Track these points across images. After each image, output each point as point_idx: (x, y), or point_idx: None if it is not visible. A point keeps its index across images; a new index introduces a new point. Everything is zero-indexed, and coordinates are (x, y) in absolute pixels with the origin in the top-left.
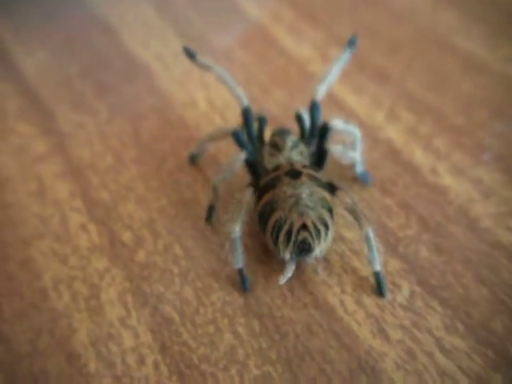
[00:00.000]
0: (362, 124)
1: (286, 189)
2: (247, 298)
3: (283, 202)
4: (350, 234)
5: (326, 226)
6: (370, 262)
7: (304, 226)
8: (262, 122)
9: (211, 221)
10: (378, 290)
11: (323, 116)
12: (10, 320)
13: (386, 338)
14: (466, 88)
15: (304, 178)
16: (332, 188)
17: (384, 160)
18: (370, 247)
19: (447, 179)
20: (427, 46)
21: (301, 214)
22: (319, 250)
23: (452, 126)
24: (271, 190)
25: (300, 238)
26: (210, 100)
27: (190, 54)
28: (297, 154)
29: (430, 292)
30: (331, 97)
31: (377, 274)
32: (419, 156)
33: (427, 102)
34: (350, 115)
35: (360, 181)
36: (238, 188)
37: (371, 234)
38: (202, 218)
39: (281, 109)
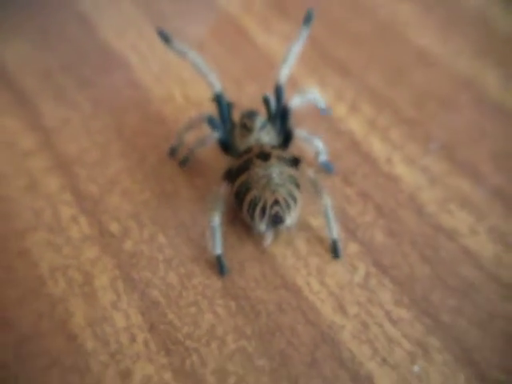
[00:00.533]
0: (325, 116)
1: (258, 170)
2: (225, 282)
3: (256, 182)
4: (316, 222)
5: (295, 200)
6: (329, 231)
7: (276, 202)
8: (229, 106)
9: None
10: (335, 254)
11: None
12: (12, 306)
13: (345, 313)
14: (418, 81)
15: (273, 160)
16: (296, 162)
17: (346, 151)
18: (328, 217)
19: (400, 168)
20: (386, 40)
21: (273, 192)
22: (290, 220)
23: (406, 119)
24: (245, 171)
25: (273, 211)
26: (187, 95)
27: (166, 38)
28: (265, 134)
29: (382, 271)
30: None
31: (334, 242)
32: (377, 147)
33: (386, 95)
34: (314, 108)
35: (323, 170)
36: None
37: (329, 204)
38: (183, 208)
39: (251, 100)
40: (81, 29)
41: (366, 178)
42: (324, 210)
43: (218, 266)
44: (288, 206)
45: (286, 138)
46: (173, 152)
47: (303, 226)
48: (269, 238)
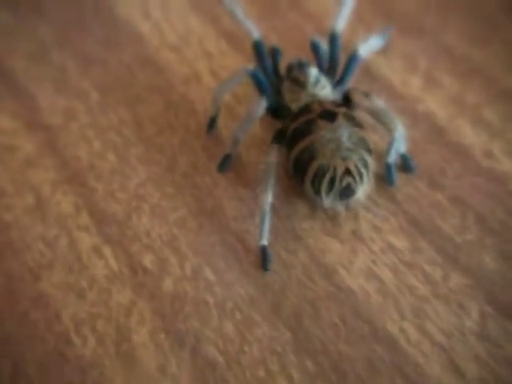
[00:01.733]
0: (395, 95)
1: (324, 133)
2: (295, 332)
3: (323, 147)
4: (400, 242)
5: (368, 168)
6: (387, 155)
7: (347, 171)
8: (275, 54)
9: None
10: (389, 180)
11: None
12: (35, 371)
13: (460, 373)
14: None
15: (341, 119)
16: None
17: (427, 141)
18: (392, 146)
19: (505, 163)
20: None
21: (344, 159)
22: (362, 191)
23: (504, 90)
24: (306, 135)
25: (344, 183)
26: (215, 71)
27: (212, 123)
28: (320, 89)
29: (503, 312)
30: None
31: (389, 166)
32: (469, 134)
33: (472, 58)
34: (381, 85)
35: (403, 170)
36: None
37: (398, 138)
38: (230, 229)
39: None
40: None
41: (459, 179)
42: (392, 138)
43: (262, 260)
44: (361, 176)
45: (345, 99)
46: (212, 123)
47: (384, 247)
48: (340, 209)
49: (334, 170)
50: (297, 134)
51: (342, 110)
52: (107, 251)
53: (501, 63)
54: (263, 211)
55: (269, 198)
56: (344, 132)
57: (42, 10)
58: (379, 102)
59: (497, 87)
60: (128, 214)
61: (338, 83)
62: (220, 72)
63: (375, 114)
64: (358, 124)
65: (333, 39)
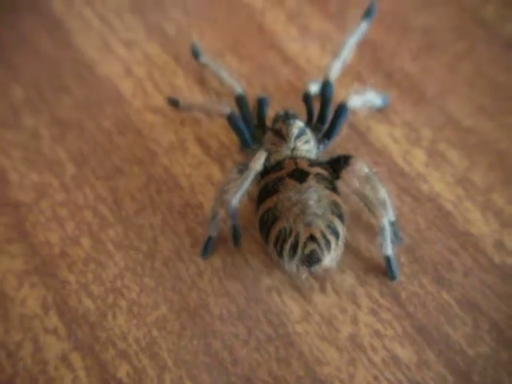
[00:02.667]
0: (396, 171)
1: (291, 194)
2: None
3: (287, 209)
4: (405, 352)
5: (337, 234)
6: (382, 247)
7: (312, 237)
8: (262, 104)
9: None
10: (390, 274)
11: None
12: None
13: None
14: None
15: (311, 180)
16: (342, 163)
17: (432, 229)
18: (383, 236)
19: None
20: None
21: (308, 224)
22: (329, 259)
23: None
24: (274, 193)
25: (307, 250)
26: (201, 138)
27: (174, 103)
28: (303, 143)
29: None
30: (352, 127)
31: (388, 258)
32: (478, 221)
33: (478, 131)
34: (381, 157)
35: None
36: None
37: (387, 225)
38: (215, 333)
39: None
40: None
41: (468, 275)
42: (380, 227)
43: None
44: (327, 243)
45: (340, 162)
46: (173, 102)
47: (386, 359)
48: (303, 275)
49: (297, 235)
50: (264, 191)
51: (316, 169)
52: (77, 360)
53: (511, 139)
54: (229, 209)
55: (235, 200)
56: (312, 194)
57: (14, 67)
58: (367, 169)
59: (508, 165)
60: (103, 313)
61: (325, 136)
62: (208, 140)
63: (362, 197)
64: (331, 184)
65: (325, 87)
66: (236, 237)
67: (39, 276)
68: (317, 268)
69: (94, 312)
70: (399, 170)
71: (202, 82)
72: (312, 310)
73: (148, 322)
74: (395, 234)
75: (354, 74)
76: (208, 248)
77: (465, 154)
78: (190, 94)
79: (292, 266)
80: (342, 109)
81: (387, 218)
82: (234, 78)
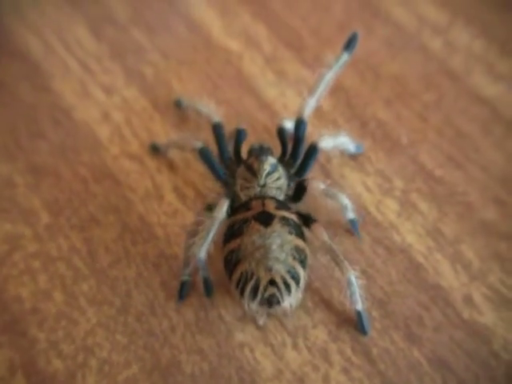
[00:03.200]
0: (370, 221)
1: (255, 238)
2: None
3: (250, 253)
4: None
5: (297, 280)
6: (352, 302)
7: (272, 282)
8: (239, 135)
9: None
10: (361, 329)
11: None
12: None
13: None
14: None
15: (276, 225)
16: (307, 220)
17: (403, 281)
18: (352, 291)
19: (487, 314)
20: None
21: (269, 269)
22: (288, 302)
23: (483, 223)
24: (239, 235)
25: (267, 293)
26: (177, 186)
27: (156, 149)
28: (273, 180)
29: None
30: (326, 173)
31: (359, 313)
32: (448, 273)
33: (448, 182)
34: (355, 205)
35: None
36: None
37: (354, 280)
38: None
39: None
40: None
41: (438, 331)
42: (347, 284)
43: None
44: (287, 288)
45: (300, 187)
46: (155, 148)
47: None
48: (261, 319)
49: (258, 279)
50: (230, 231)
51: (282, 213)
52: None
53: (479, 190)
54: (198, 262)
55: (203, 253)
56: (276, 239)
57: None
58: (328, 240)
59: (475, 217)
60: (72, 374)
61: (296, 174)
62: (184, 189)
63: (328, 251)
64: (296, 231)
65: (298, 125)
66: (208, 288)
67: (8, 336)
68: (276, 309)
69: (62, 372)
70: (372, 219)
71: (178, 126)
72: (284, 367)
73: (119, 381)
74: (354, 226)
75: (329, 121)
76: (183, 292)
77: (435, 204)
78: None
79: (253, 306)
80: (312, 149)
81: (353, 274)
82: (212, 108)
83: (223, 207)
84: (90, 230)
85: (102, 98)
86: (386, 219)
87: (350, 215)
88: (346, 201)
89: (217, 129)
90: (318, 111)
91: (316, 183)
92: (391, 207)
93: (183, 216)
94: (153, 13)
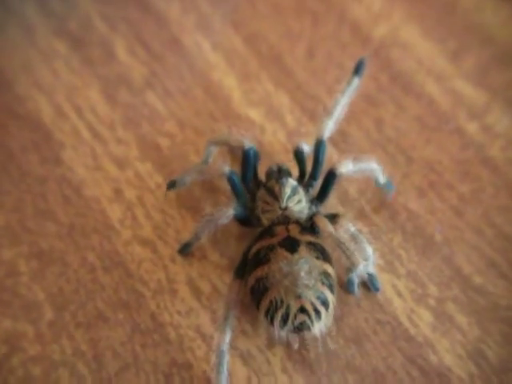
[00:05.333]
0: (400, 334)
1: (282, 265)
2: None
3: (278, 281)
4: None
5: (327, 305)
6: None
7: (302, 309)
8: (253, 157)
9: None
10: (372, 287)
11: None
12: None
13: None
14: None
15: (302, 251)
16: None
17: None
18: (362, 272)
19: None
20: None
21: (298, 297)
22: (319, 328)
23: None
24: (265, 263)
25: (298, 321)
26: (191, 280)
27: (173, 185)
28: (295, 203)
29: None
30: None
31: (370, 276)
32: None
33: (489, 293)
34: (383, 311)
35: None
36: None
37: (363, 268)
38: None
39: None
40: None
41: None
42: (365, 258)
43: None
44: (318, 314)
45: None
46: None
47: None
48: (295, 344)
49: (288, 307)
50: (255, 259)
51: (307, 237)
52: None
53: None
54: (220, 352)
55: (227, 337)
56: (303, 266)
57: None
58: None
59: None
60: None
61: (317, 198)
62: (199, 282)
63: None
64: (323, 255)
65: (318, 146)
66: (185, 249)
67: None
68: (306, 334)
69: None
70: (404, 331)
71: (195, 209)
72: None
73: None
74: (373, 283)
75: (354, 208)
76: (186, 249)
77: (475, 319)
78: (183, 222)
79: (282, 333)
80: (330, 175)
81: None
82: (237, 135)
83: (236, 287)
84: (97, 329)
85: (114, 172)
86: (420, 333)
87: (370, 269)
88: (370, 252)
89: (247, 154)
90: (343, 195)
91: (347, 223)
92: (425, 318)
93: (197, 315)
94: (169, 75)
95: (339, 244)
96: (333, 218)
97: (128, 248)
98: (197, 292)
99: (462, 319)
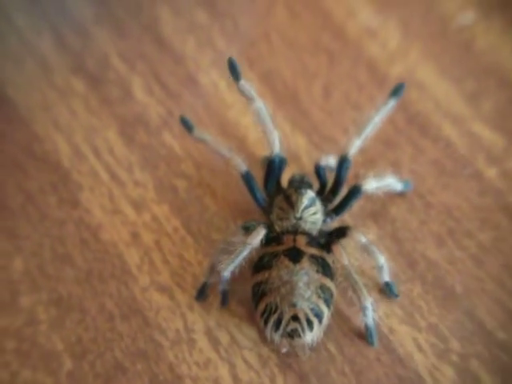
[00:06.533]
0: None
1: (283, 273)
2: None
3: (277, 288)
4: None
5: (320, 318)
6: (363, 316)
7: (295, 318)
8: (279, 164)
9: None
10: (369, 340)
11: None
12: None
13: None
14: None
15: (305, 263)
16: (340, 233)
17: None
18: (366, 314)
19: None
20: None
21: (293, 305)
22: (310, 338)
23: None
24: (268, 268)
25: (289, 328)
26: (209, 329)
27: (189, 127)
28: (310, 214)
29: None
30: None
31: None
32: None
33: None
34: (404, 366)
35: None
36: None
37: (370, 307)
38: None
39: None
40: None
41: None
42: (362, 308)
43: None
44: (310, 324)
45: (339, 233)
46: (202, 292)
47: None
48: (284, 348)
49: (281, 313)
50: (260, 263)
51: (312, 250)
52: None
53: None
54: (221, 278)
55: (227, 272)
56: (303, 277)
57: (17, 236)
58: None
59: None
60: None
61: (334, 211)
62: (217, 332)
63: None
64: (324, 269)
65: (342, 163)
66: (224, 299)
67: None
68: (298, 341)
69: None
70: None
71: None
72: None
73: None
74: (391, 291)
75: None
76: (203, 292)
77: (501, 379)
78: (200, 269)
79: (275, 337)
80: (355, 191)
81: (370, 301)
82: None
83: (259, 236)
84: (116, 380)
85: (131, 215)
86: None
87: (386, 277)
88: (383, 261)
89: (273, 162)
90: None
91: (358, 235)
92: (448, 375)
93: (215, 368)
94: (186, 114)
95: (350, 278)
96: (343, 230)
97: (145, 295)
98: (215, 342)
99: (487, 379)
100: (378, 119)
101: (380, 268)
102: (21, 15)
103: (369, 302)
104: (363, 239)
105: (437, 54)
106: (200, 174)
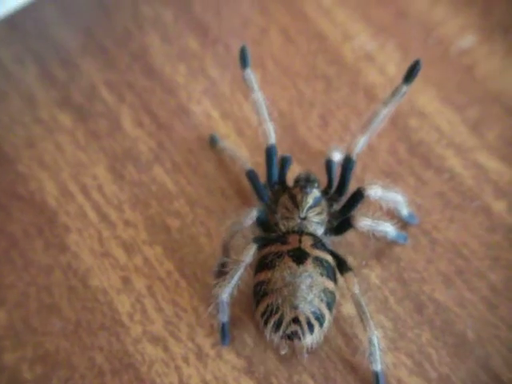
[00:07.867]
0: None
1: (286, 274)
2: None
3: (279, 289)
4: None
5: (321, 321)
6: (371, 361)
7: (295, 320)
8: (285, 162)
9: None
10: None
11: None
12: None
13: None
14: None
15: (309, 265)
16: (342, 265)
17: None
18: (372, 351)
19: None
20: None
21: (294, 307)
22: (310, 341)
23: None
24: (271, 268)
25: (289, 330)
26: None
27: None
28: (314, 214)
29: None
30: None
31: (376, 374)
32: None
33: None
34: None
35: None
36: None
37: (376, 341)
38: None
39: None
40: None
41: None
42: (368, 342)
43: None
44: (310, 328)
45: (342, 225)
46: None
47: None
48: (283, 349)
49: (282, 315)
50: (263, 262)
51: (317, 252)
52: None
53: None
54: (219, 302)
55: (225, 294)
56: (306, 279)
57: (1, 286)
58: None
59: None
60: None
61: (339, 211)
62: None
63: (355, 304)
64: (327, 272)
65: (346, 163)
66: (224, 335)
67: None
68: (297, 343)
69: None
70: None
71: (208, 300)
72: None
73: None
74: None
75: (377, 300)
76: (225, 333)
77: None
78: (195, 316)
79: (274, 338)
80: (358, 194)
81: (376, 335)
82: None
83: (250, 252)
84: None
85: (122, 259)
86: None
87: (405, 212)
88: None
89: (270, 152)
90: (364, 282)
91: (362, 221)
92: None
93: None
94: (178, 147)
95: (358, 306)
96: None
97: (138, 347)
98: None
99: None
100: (386, 112)
101: (398, 209)
102: (2, 45)
103: (374, 334)
104: (368, 222)
105: (437, 79)
106: (194, 212)
